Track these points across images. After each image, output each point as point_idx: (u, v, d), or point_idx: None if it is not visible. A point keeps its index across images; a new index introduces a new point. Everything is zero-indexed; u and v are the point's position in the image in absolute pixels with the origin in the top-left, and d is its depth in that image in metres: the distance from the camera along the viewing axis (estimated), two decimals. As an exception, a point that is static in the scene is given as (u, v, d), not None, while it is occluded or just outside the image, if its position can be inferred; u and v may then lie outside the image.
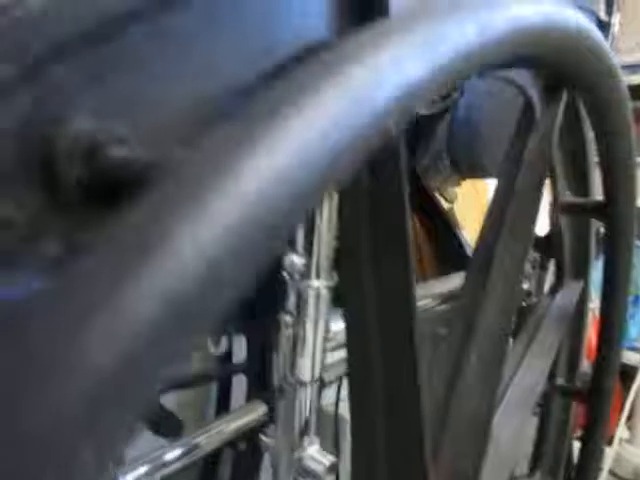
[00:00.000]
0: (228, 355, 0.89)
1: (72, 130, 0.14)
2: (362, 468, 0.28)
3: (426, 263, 0.63)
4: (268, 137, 0.11)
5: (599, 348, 0.55)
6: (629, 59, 1.34)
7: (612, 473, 1.34)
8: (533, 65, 0.32)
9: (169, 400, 0.84)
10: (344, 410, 0.91)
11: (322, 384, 0.88)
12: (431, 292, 0.50)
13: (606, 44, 0.30)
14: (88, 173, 0.14)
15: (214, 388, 0.91)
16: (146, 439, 0.62)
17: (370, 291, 0.25)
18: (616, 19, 0.57)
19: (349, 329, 0.26)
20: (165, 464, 0.58)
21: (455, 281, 0.55)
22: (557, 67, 0.30)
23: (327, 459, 0.37)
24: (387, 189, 0.24)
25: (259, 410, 0.65)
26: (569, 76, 0.36)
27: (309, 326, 0.29)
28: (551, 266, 0.76)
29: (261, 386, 0.76)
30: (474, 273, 0.38)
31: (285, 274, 0.29)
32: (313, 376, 0.30)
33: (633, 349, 1.52)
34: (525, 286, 0.67)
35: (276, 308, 0.32)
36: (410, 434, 0.26)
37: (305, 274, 0.29)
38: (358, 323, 0.26)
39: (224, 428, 0.63)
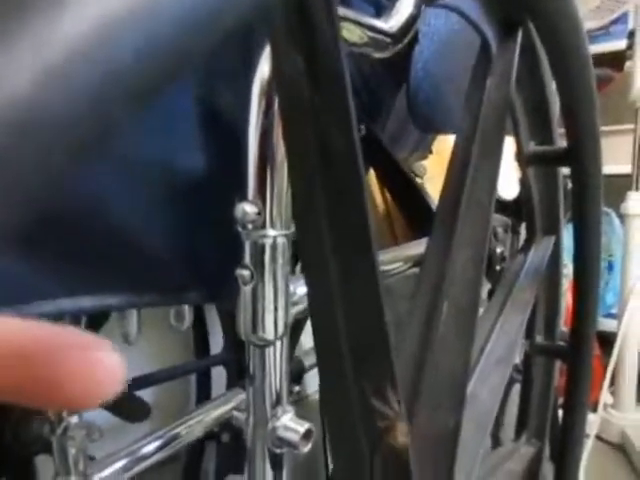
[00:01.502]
0: (206, 347, 0.87)
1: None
2: (337, 437, 0.26)
3: (397, 230, 0.61)
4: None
5: (576, 303, 0.54)
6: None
7: (599, 438, 1.35)
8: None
9: (149, 395, 0.81)
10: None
11: (302, 368, 0.86)
12: (402, 255, 0.49)
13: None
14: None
15: (194, 381, 0.89)
16: (125, 432, 0.60)
17: (327, 239, 0.24)
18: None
19: (310, 283, 0.24)
20: (144, 457, 0.56)
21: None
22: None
23: (302, 426, 0.35)
24: (335, 123, 0.23)
25: (239, 398, 0.63)
26: (523, 5, 0.35)
27: (268, 278, 0.27)
28: (523, 230, 0.76)
29: (240, 374, 0.75)
30: (441, 224, 0.36)
31: (238, 225, 0.28)
32: (277, 333, 0.29)
33: (610, 316, 1.54)
34: (499, 250, 0.66)
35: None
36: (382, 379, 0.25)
37: (259, 224, 0.27)
38: (318, 274, 0.24)
39: (204, 417, 0.61)
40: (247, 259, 0.28)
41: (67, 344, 0.11)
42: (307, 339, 0.80)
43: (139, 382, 0.68)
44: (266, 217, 0.27)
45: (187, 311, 0.49)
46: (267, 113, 0.27)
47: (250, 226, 0.27)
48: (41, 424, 0.53)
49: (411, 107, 0.44)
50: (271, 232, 0.27)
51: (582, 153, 0.43)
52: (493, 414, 0.40)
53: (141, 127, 0.28)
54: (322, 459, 0.99)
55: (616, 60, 1.34)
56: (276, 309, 0.28)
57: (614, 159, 1.33)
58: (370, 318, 0.23)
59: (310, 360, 0.83)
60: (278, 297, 0.28)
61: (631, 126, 1.37)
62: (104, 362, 0.11)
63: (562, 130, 0.47)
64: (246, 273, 0.27)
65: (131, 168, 0.28)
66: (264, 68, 0.27)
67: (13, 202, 0.09)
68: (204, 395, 0.86)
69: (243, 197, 0.28)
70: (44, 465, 0.57)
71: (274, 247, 0.27)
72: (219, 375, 0.87)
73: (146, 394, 0.71)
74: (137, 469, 0.55)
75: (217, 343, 0.87)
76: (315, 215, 0.24)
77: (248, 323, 0.28)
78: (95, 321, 0.52)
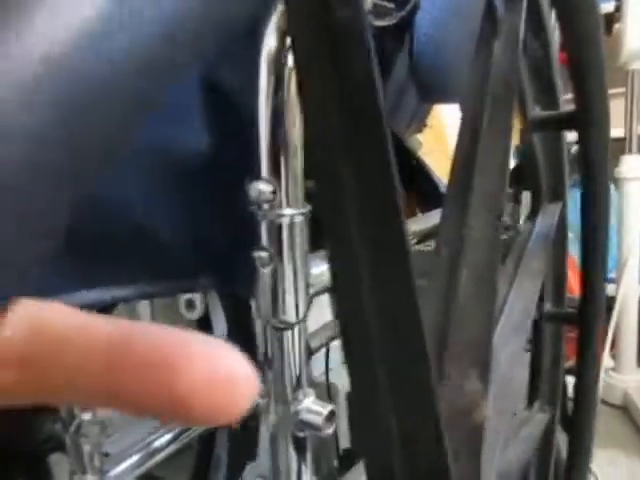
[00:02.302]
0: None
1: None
2: (365, 401, 0.25)
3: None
4: None
5: (584, 268, 0.54)
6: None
7: (602, 402, 1.37)
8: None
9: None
10: (335, 378, 0.89)
11: (309, 351, 0.86)
12: (410, 230, 0.48)
13: None
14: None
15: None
16: (134, 424, 0.59)
17: (350, 206, 0.23)
18: None
19: (332, 250, 0.24)
20: (157, 450, 0.55)
21: (433, 219, 0.53)
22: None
23: (325, 409, 0.34)
24: (355, 73, 0.22)
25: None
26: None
27: (287, 259, 0.26)
28: (524, 199, 0.75)
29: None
30: (454, 192, 0.35)
31: (253, 206, 0.27)
32: (298, 315, 0.28)
33: (609, 281, 1.55)
34: (502, 220, 0.65)
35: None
36: (414, 358, 0.24)
37: (275, 203, 0.26)
38: (341, 240, 0.23)
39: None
40: (264, 240, 0.27)
41: (193, 351, 0.10)
42: (310, 321, 0.80)
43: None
44: (282, 196, 0.26)
45: (199, 300, 0.48)
46: (277, 88, 0.26)
47: (266, 206, 0.26)
48: (54, 422, 0.52)
49: (414, 75, 0.42)
50: (288, 211, 0.26)
51: (591, 116, 0.42)
52: (514, 380, 0.39)
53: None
54: (332, 440, 1.00)
55: (605, 22, 1.32)
56: (296, 290, 0.27)
57: (606, 124, 1.32)
58: (401, 291, 0.22)
59: (315, 342, 0.83)
60: (298, 278, 0.27)
61: (622, 89, 1.37)
62: (235, 373, 0.10)
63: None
64: (264, 255, 0.26)
65: (137, 153, 0.27)
66: (271, 41, 0.25)
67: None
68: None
69: (256, 177, 0.27)
70: (59, 464, 0.56)
71: (292, 226, 0.26)
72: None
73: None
74: (152, 461, 0.55)
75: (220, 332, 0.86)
76: (337, 180, 0.23)
77: (268, 306, 0.27)
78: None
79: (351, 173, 0.20)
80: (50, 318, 0.10)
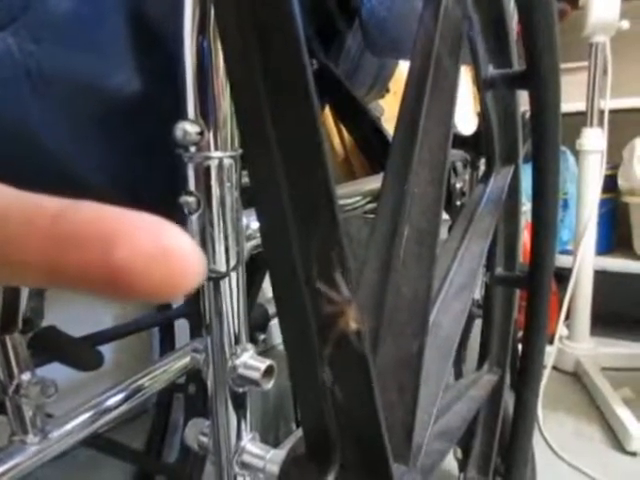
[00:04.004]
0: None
1: None
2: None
3: (356, 168, 0.60)
4: None
5: (534, 234, 0.55)
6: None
7: (556, 368, 1.42)
8: None
9: (110, 351, 0.79)
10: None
11: (267, 316, 0.86)
12: (361, 190, 0.47)
13: None
14: None
15: (157, 336, 0.87)
16: (87, 391, 0.58)
17: (277, 161, 0.22)
18: None
19: (260, 210, 0.23)
20: (107, 409, 0.54)
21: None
22: None
23: (263, 364, 0.34)
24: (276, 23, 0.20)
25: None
26: None
27: (216, 204, 0.25)
28: (482, 165, 0.75)
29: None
30: (398, 148, 0.35)
31: (179, 149, 0.25)
32: (229, 264, 0.27)
33: (566, 252, 1.59)
34: (458, 185, 0.65)
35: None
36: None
37: (202, 145, 0.25)
38: (269, 200, 0.22)
39: (168, 368, 0.60)
40: (191, 184, 0.25)
41: (135, 223, 0.10)
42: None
43: (100, 337, 0.66)
44: (210, 137, 0.25)
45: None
46: (202, 23, 0.24)
47: (193, 148, 0.25)
48: (-9, 383, 0.51)
49: (364, 30, 0.41)
50: (216, 153, 0.25)
51: (541, 74, 0.42)
52: (456, 341, 0.40)
53: (67, 43, 0.25)
54: (291, 405, 1.01)
55: (571, -5, 1.33)
56: (226, 237, 0.26)
57: (568, 97, 1.34)
58: (328, 230, 0.21)
59: (275, 308, 0.82)
60: (227, 224, 0.26)
61: (585, 63, 1.38)
62: (178, 246, 0.10)
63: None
64: (191, 200, 0.25)
65: (56, 89, 0.25)
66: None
67: None
68: (168, 349, 0.85)
69: (184, 117, 0.25)
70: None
71: (220, 169, 0.25)
72: (183, 329, 0.85)
73: (107, 350, 0.69)
74: (101, 422, 0.54)
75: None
76: (264, 136, 0.22)
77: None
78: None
79: (272, 121, 0.19)
80: None
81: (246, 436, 0.36)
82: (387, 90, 0.86)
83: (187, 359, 0.61)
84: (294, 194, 0.22)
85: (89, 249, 0.09)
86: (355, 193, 0.47)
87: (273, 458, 0.34)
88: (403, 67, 0.80)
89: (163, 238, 0.10)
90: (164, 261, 0.10)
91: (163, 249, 0.10)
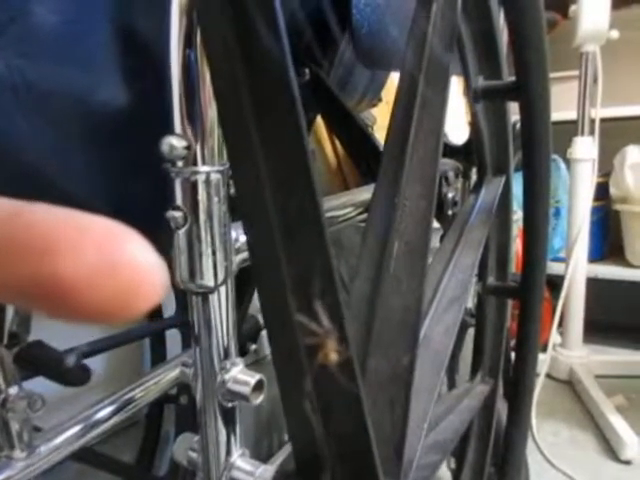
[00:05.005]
0: (159, 310, 0.85)
1: None
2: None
3: (348, 178, 0.60)
4: None
5: (526, 244, 0.55)
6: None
7: (549, 376, 1.42)
8: None
9: (101, 362, 0.79)
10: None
11: (258, 326, 0.85)
12: (353, 201, 0.47)
13: None
14: None
15: (148, 347, 0.87)
16: (78, 404, 0.58)
17: (264, 175, 0.21)
18: None
19: (248, 226, 0.22)
20: (98, 422, 0.54)
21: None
22: None
23: (253, 378, 0.33)
24: (261, 40, 0.20)
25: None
26: None
27: (203, 219, 0.25)
28: (474, 174, 0.75)
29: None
30: (389, 160, 0.35)
31: (166, 164, 0.25)
32: (217, 279, 0.27)
33: (558, 260, 1.59)
34: (450, 195, 0.66)
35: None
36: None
37: (189, 160, 0.25)
38: (257, 215, 0.22)
39: (159, 379, 0.60)
40: (179, 199, 0.25)
41: (87, 232, 0.08)
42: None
43: (90, 349, 0.65)
44: (197, 152, 0.25)
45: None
46: (189, 36, 0.24)
47: (180, 163, 0.25)
48: (-23, 397, 0.50)
49: (355, 42, 0.41)
50: (203, 168, 0.25)
51: (531, 86, 0.42)
52: (448, 353, 0.40)
53: (53, 57, 0.25)
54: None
55: (562, 5, 1.34)
56: (214, 252, 0.26)
57: (560, 106, 1.34)
58: (314, 250, 0.21)
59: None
60: (215, 239, 0.26)
61: (575, 72, 1.39)
62: (135, 259, 0.08)
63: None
64: (178, 215, 0.25)
65: (42, 103, 0.25)
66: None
67: None
68: (159, 360, 0.84)
69: (171, 132, 0.25)
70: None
71: (207, 184, 0.25)
72: (174, 340, 0.84)
73: (97, 362, 0.68)
74: (90, 436, 0.53)
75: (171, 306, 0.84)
76: (250, 150, 0.21)
77: (185, 270, 0.26)
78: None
79: (260, 140, 0.19)
80: None
81: (236, 452, 0.35)
82: (379, 99, 0.86)
83: (178, 371, 0.60)
84: (279, 209, 0.21)
85: (32, 261, 0.08)
86: (347, 204, 0.46)
87: (263, 474, 0.33)
88: (395, 76, 0.80)
89: (112, 248, 0.08)
90: (112, 275, 0.08)
91: (112, 261, 0.08)
